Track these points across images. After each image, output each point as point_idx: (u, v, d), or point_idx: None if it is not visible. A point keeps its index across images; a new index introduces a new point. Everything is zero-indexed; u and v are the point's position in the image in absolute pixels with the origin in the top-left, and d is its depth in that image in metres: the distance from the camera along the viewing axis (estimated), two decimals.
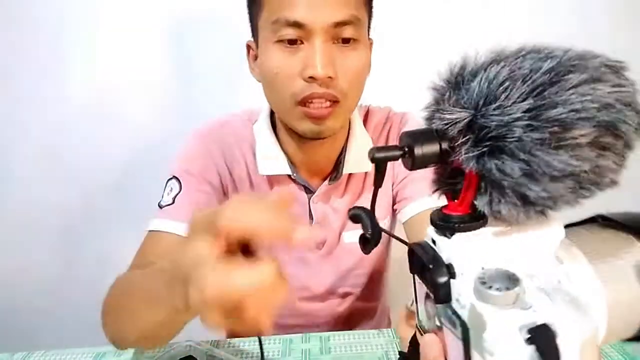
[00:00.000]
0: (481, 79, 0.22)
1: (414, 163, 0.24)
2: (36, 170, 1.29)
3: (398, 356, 0.34)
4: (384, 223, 0.75)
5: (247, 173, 0.70)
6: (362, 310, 0.81)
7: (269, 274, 0.25)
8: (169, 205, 0.64)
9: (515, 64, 0.22)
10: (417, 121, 0.75)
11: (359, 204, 0.73)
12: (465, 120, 0.22)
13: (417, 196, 0.69)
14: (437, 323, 0.25)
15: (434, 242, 0.25)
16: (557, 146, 0.20)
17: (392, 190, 0.74)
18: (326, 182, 0.70)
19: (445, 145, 0.23)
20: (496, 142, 0.21)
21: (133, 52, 1.21)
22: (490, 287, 0.21)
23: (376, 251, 0.75)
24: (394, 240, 0.84)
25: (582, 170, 0.21)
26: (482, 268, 0.23)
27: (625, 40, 1.20)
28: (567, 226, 0.26)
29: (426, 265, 0.24)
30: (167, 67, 1.22)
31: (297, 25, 0.54)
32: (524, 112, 0.20)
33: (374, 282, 0.80)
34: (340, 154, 0.70)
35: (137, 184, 1.29)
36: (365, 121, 0.75)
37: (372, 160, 0.24)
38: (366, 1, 0.60)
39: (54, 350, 0.64)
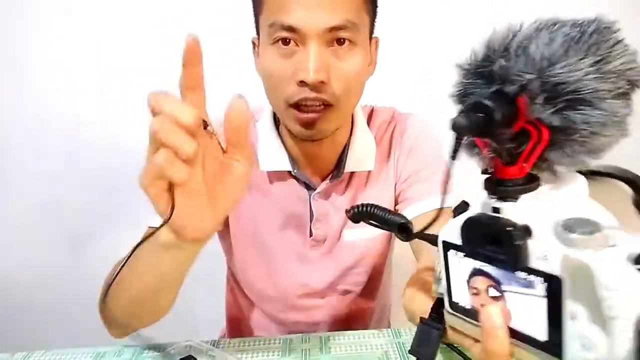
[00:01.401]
0: (537, 44, 0.23)
1: (493, 128, 0.24)
2: (36, 169, 1.29)
3: (419, 322, 0.36)
4: None
5: None
6: (361, 308, 0.81)
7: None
8: None
9: (562, 31, 0.24)
10: (421, 122, 0.76)
11: (360, 201, 0.72)
12: (538, 81, 0.23)
13: (421, 197, 0.69)
14: (494, 294, 0.26)
15: (495, 210, 0.25)
16: (616, 95, 0.23)
17: (395, 190, 0.74)
18: (327, 179, 0.70)
19: (514, 109, 0.24)
20: (574, 95, 0.22)
21: (136, 51, 1.21)
22: (575, 234, 0.22)
23: (376, 250, 0.76)
24: (396, 239, 0.85)
25: (627, 115, 0.24)
26: (554, 222, 0.23)
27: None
28: None
29: (495, 234, 0.24)
30: (171, 66, 1.22)
31: (291, 29, 0.55)
32: (590, 66, 0.22)
33: (374, 281, 0.80)
34: (343, 152, 0.70)
35: (137, 184, 1.29)
36: (369, 120, 0.75)
37: (453, 127, 0.24)
38: (367, 2, 0.60)
39: (54, 350, 0.64)
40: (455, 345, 0.39)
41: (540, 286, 0.23)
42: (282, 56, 0.57)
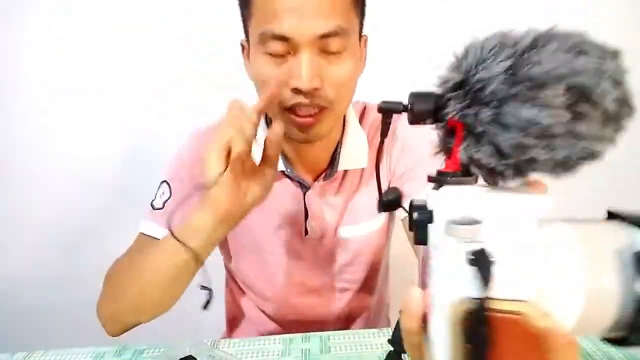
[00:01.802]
0: (476, 47, 0.25)
1: (414, 117, 0.28)
2: (36, 169, 1.29)
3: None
4: (380, 219, 0.76)
5: None
6: (360, 305, 0.82)
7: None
8: (159, 209, 0.69)
9: (505, 36, 0.25)
10: None
11: (354, 200, 0.73)
12: (457, 80, 0.25)
13: (415, 193, 0.69)
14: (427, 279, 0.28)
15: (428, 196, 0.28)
16: (528, 101, 0.23)
17: (389, 185, 0.74)
18: (321, 178, 0.71)
19: (439, 103, 0.27)
20: (475, 94, 0.24)
21: (136, 51, 1.21)
22: (457, 222, 0.24)
23: (372, 246, 0.77)
24: (393, 236, 0.85)
25: (552, 128, 0.23)
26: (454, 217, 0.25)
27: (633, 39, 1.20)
28: None
29: (410, 213, 0.27)
30: (173, 65, 1.22)
31: (283, 38, 0.54)
32: (505, 70, 0.23)
33: (371, 278, 0.80)
34: (336, 150, 0.71)
35: (137, 184, 1.29)
36: (362, 118, 0.75)
37: (379, 109, 0.30)
38: (355, 3, 0.59)
39: (54, 350, 0.64)
40: None
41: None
42: (274, 63, 0.57)
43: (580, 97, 0.23)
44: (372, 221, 0.75)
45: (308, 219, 0.72)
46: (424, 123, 0.29)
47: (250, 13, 0.58)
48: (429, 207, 0.27)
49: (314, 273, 0.76)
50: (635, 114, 0.25)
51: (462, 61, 0.26)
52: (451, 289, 0.24)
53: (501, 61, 0.24)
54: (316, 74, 0.56)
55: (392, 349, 0.36)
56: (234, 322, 0.89)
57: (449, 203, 0.25)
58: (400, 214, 0.72)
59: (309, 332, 0.65)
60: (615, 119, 0.24)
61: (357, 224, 0.74)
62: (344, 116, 0.71)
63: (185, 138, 0.74)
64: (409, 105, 0.29)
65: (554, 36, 0.24)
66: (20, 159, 1.29)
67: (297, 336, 0.64)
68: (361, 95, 0.69)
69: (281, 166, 0.68)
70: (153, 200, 0.70)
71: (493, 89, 0.24)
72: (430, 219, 0.26)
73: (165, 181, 0.70)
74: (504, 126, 0.24)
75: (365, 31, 0.64)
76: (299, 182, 0.71)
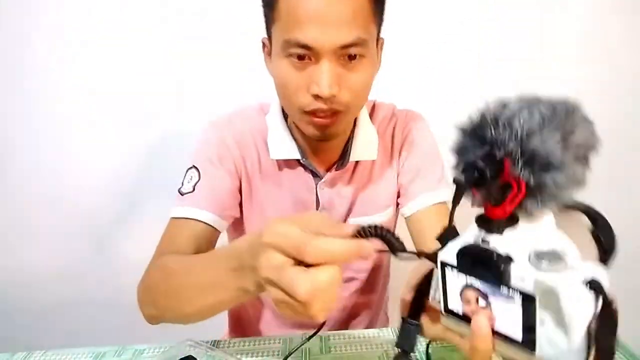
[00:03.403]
0: (520, 119, 0.30)
1: (484, 182, 0.31)
2: (36, 167, 1.29)
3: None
4: (388, 212, 0.79)
5: (258, 158, 0.75)
6: (362, 299, 0.84)
7: (337, 274, 0.36)
8: (189, 192, 0.70)
9: (539, 108, 0.30)
10: (420, 118, 0.80)
11: (366, 192, 0.77)
12: (518, 149, 0.30)
13: (421, 193, 0.75)
14: (482, 304, 0.34)
15: (484, 241, 0.33)
16: (577, 160, 0.30)
17: (397, 180, 0.78)
18: (333, 169, 0.74)
19: (500, 168, 0.31)
20: (546, 161, 0.29)
21: (143, 52, 1.21)
22: (544, 261, 0.30)
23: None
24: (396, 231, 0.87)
25: (585, 174, 0.30)
26: (528, 252, 0.31)
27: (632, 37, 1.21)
28: None
29: (485, 259, 0.32)
30: (171, 66, 1.22)
31: (305, 47, 0.58)
32: (558, 140, 0.29)
33: (377, 271, 0.84)
34: (347, 142, 0.74)
35: (139, 186, 1.29)
36: (371, 114, 0.79)
37: (454, 182, 0.32)
38: (375, 13, 0.61)
39: (54, 350, 0.64)
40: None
41: (518, 299, 0.31)
42: (295, 69, 0.60)
43: (589, 151, 0.31)
44: (381, 213, 0.78)
45: (319, 208, 0.75)
46: (484, 187, 0.31)
47: (274, 17, 0.61)
48: (503, 253, 0.31)
49: None
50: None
51: (508, 129, 0.30)
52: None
53: (551, 133, 0.29)
54: (335, 81, 0.59)
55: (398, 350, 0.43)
56: (235, 319, 0.91)
57: (522, 245, 0.31)
58: (406, 211, 0.76)
59: (309, 331, 0.65)
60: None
61: (367, 215, 0.77)
62: None
63: (204, 127, 0.77)
64: (486, 173, 0.30)
65: (568, 107, 0.30)
66: (20, 159, 1.29)
67: (297, 336, 0.64)
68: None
69: (296, 155, 0.72)
70: (180, 188, 0.72)
71: (560, 157, 0.29)
72: (511, 260, 0.31)
73: (193, 167, 0.73)
74: (566, 184, 0.29)
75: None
76: (312, 171, 0.74)
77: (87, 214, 1.33)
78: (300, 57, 0.59)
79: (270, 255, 0.36)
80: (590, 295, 0.29)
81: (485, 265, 0.32)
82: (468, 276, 0.34)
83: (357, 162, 0.75)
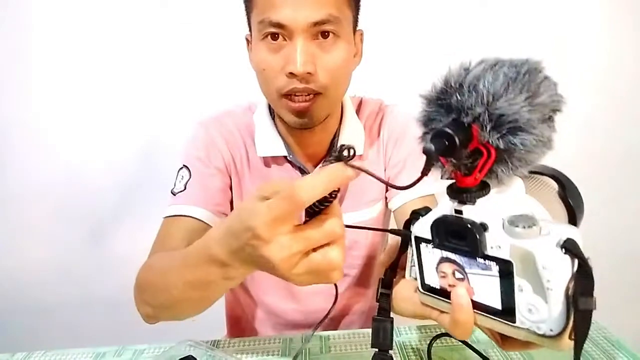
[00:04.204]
0: (484, 83, 0.29)
1: (455, 150, 0.30)
2: (36, 167, 1.29)
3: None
4: (377, 207, 0.79)
5: (247, 156, 0.76)
6: (356, 294, 0.84)
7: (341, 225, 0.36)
8: (181, 191, 0.71)
9: (502, 71, 0.30)
10: (406, 113, 0.81)
11: (353, 187, 0.77)
12: (486, 113, 0.29)
13: (406, 181, 0.73)
14: (459, 276, 0.33)
15: (457, 211, 0.33)
16: (544, 121, 0.30)
17: (385, 174, 0.78)
18: (320, 165, 0.74)
19: (469, 134, 0.30)
20: (513, 125, 0.29)
21: (143, 51, 1.21)
22: (519, 227, 0.29)
23: (370, 238, 0.80)
24: (389, 227, 0.87)
25: (552, 135, 0.31)
26: (502, 219, 0.30)
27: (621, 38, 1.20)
28: None
29: (459, 229, 0.31)
30: (170, 66, 1.22)
31: (279, 25, 0.59)
32: (524, 101, 0.29)
33: (369, 266, 0.83)
34: (334, 138, 0.75)
35: (139, 186, 1.29)
36: (358, 110, 0.79)
37: (424, 152, 0.30)
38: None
39: (54, 350, 0.64)
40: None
41: (495, 268, 0.31)
42: (271, 51, 0.62)
43: (554, 112, 0.31)
44: (370, 208, 0.78)
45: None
46: (454, 154, 0.30)
47: (252, 5, 0.63)
48: (478, 220, 0.31)
49: None
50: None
51: (472, 94, 0.30)
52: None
53: (517, 95, 0.29)
54: (309, 59, 0.60)
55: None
56: (233, 319, 0.90)
57: (495, 212, 0.31)
58: (394, 205, 0.76)
59: (305, 330, 0.65)
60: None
61: (355, 210, 0.77)
62: (342, 107, 0.76)
63: (192, 127, 0.77)
64: (456, 140, 0.30)
65: (532, 68, 0.30)
66: (20, 159, 1.29)
67: (297, 336, 0.65)
68: (356, 90, 0.73)
69: (283, 151, 0.73)
70: (172, 188, 0.72)
71: (528, 118, 0.29)
72: (486, 229, 0.31)
73: (183, 166, 0.73)
74: (535, 145, 0.29)
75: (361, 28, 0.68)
76: (299, 168, 0.74)
77: (87, 214, 1.33)
78: (274, 36, 0.60)
79: (269, 223, 0.34)
80: (566, 257, 0.28)
81: (460, 236, 0.31)
82: (443, 250, 0.33)
83: None
